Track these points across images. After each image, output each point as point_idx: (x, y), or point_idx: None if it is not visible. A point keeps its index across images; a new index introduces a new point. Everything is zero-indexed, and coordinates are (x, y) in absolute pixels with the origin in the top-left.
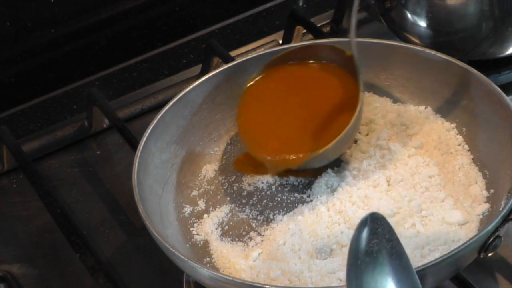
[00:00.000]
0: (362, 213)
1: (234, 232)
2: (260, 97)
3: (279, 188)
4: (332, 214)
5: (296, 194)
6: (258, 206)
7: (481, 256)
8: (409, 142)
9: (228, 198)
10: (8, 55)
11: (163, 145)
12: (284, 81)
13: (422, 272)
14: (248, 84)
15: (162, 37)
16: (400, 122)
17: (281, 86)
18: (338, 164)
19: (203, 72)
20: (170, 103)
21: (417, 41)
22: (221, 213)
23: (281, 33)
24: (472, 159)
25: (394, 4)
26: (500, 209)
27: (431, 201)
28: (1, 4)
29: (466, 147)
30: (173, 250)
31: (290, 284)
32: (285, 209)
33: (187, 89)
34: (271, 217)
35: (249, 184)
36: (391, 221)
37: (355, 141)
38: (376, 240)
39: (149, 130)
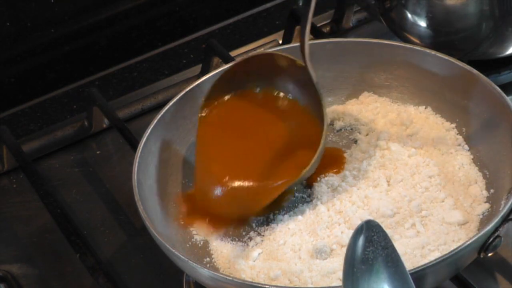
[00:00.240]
0: (362, 213)
1: (234, 232)
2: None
3: None
4: (332, 214)
5: (296, 194)
6: None
7: (481, 256)
8: (409, 142)
9: None
10: (8, 55)
11: (163, 145)
12: (245, 110)
13: (422, 272)
14: (206, 110)
15: (162, 37)
16: (400, 122)
17: (242, 116)
18: None
19: (203, 72)
20: (170, 103)
21: (417, 41)
22: None
23: (281, 33)
24: (472, 159)
25: (394, 4)
26: (500, 209)
27: (431, 201)
28: (1, 4)
29: (466, 147)
30: (173, 250)
31: (290, 284)
32: (285, 209)
33: (187, 89)
34: (271, 217)
35: None
36: (391, 221)
37: (355, 141)
38: (371, 247)
39: (149, 130)
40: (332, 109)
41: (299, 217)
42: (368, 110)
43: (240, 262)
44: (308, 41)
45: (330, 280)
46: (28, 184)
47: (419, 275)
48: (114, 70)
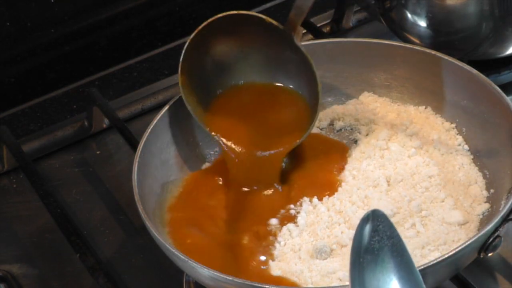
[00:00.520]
0: (362, 213)
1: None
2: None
3: None
4: (332, 214)
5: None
6: None
7: (481, 256)
8: (409, 142)
9: None
10: (8, 55)
11: (163, 145)
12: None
13: (422, 272)
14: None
15: (162, 37)
16: (400, 122)
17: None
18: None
19: None
20: (170, 103)
21: (417, 41)
22: None
23: None
24: (472, 159)
25: (394, 4)
26: (500, 209)
27: (431, 201)
28: (1, 4)
29: (466, 147)
30: (173, 250)
31: (290, 284)
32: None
33: None
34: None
35: None
36: (391, 221)
37: (355, 141)
38: (377, 237)
39: (149, 130)
40: (332, 109)
41: (299, 217)
42: (368, 110)
43: None
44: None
45: (330, 280)
46: (28, 184)
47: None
48: (114, 70)
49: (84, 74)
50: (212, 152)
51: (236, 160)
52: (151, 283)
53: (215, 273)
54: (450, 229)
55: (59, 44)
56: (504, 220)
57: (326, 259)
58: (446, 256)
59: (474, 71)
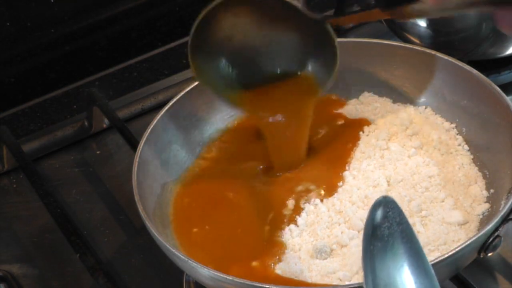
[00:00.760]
0: (362, 213)
1: None
2: None
3: None
4: (332, 214)
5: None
6: None
7: (481, 256)
8: (409, 142)
9: None
10: (8, 55)
11: (163, 145)
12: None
13: None
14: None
15: (162, 37)
16: (400, 122)
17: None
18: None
19: None
20: (170, 103)
21: (417, 41)
22: None
23: None
24: (472, 159)
25: None
26: (500, 209)
27: (431, 201)
28: (1, 4)
29: (466, 147)
30: (173, 250)
31: (290, 284)
32: None
33: (187, 89)
34: None
35: None
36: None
37: None
38: (387, 223)
39: (149, 130)
40: None
41: (299, 217)
42: (368, 110)
43: None
44: None
45: (330, 280)
46: (28, 184)
47: None
48: (114, 70)
49: (84, 74)
50: (211, 152)
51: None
52: (151, 283)
53: (215, 273)
54: (450, 229)
55: (59, 44)
56: (504, 220)
57: (326, 259)
58: (446, 256)
59: (474, 71)
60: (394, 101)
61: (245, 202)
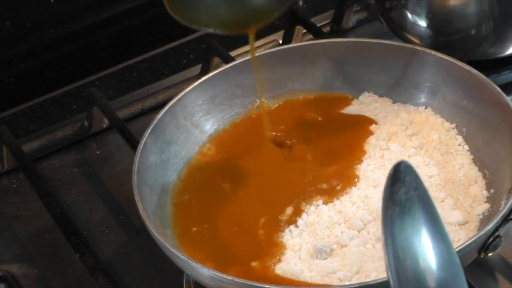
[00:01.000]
0: (362, 213)
1: None
2: None
3: None
4: (332, 214)
5: None
6: None
7: (481, 256)
8: (409, 142)
9: None
10: (8, 55)
11: (163, 145)
12: None
13: None
14: None
15: (162, 37)
16: (400, 122)
17: None
18: None
19: (203, 72)
20: (170, 103)
21: (417, 41)
22: None
23: (281, 33)
24: (472, 159)
25: (394, 4)
26: (500, 209)
27: None
28: (1, 4)
29: (466, 147)
30: (173, 250)
31: (290, 284)
32: None
33: (187, 89)
34: None
35: None
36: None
37: None
38: (404, 188)
39: (149, 130)
40: None
41: (299, 217)
42: (368, 110)
43: None
44: None
45: (330, 280)
46: (28, 184)
47: None
48: (114, 70)
49: (84, 74)
50: (211, 152)
51: None
52: (151, 283)
53: (215, 273)
54: (450, 229)
55: (59, 44)
56: (504, 220)
57: (326, 259)
58: None
59: (474, 71)
60: (394, 101)
61: (245, 202)
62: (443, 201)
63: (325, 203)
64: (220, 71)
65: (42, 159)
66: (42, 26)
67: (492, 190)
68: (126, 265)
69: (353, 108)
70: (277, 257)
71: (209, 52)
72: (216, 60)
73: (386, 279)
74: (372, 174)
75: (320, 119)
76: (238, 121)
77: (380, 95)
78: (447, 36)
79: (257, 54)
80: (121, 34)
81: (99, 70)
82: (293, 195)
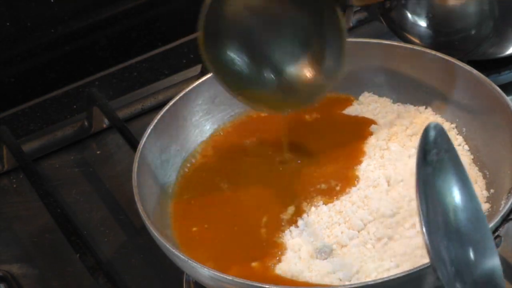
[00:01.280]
0: (362, 213)
1: None
2: None
3: None
4: (332, 214)
5: None
6: None
7: None
8: (409, 142)
9: None
10: (8, 55)
11: (163, 145)
12: None
13: (422, 272)
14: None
15: (162, 37)
16: (400, 122)
17: None
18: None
19: (203, 72)
20: (170, 103)
21: (417, 41)
22: None
23: None
24: (472, 159)
25: (394, 4)
26: (500, 209)
27: None
28: (1, 4)
29: (466, 147)
30: (173, 250)
31: (290, 284)
32: None
33: (187, 89)
34: None
35: None
36: (391, 221)
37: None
38: (435, 150)
39: (149, 130)
40: None
41: (300, 217)
42: (368, 110)
43: None
44: None
45: (330, 280)
46: (28, 184)
47: (419, 275)
48: (114, 70)
49: (84, 74)
50: (211, 152)
51: None
52: (151, 283)
53: (215, 273)
54: None
55: (59, 44)
56: (504, 220)
57: (326, 259)
58: None
59: (474, 71)
60: (394, 101)
61: (245, 202)
62: None
63: (325, 203)
64: None
65: (42, 159)
66: (42, 26)
67: (492, 190)
68: (126, 265)
69: (353, 108)
70: (277, 257)
71: None
72: None
73: (386, 279)
74: (372, 174)
75: (320, 119)
76: (238, 121)
77: (380, 95)
78: (447, 36)
79: None
80: (121, 34)
81: (99, 70)
82: (293, 195)
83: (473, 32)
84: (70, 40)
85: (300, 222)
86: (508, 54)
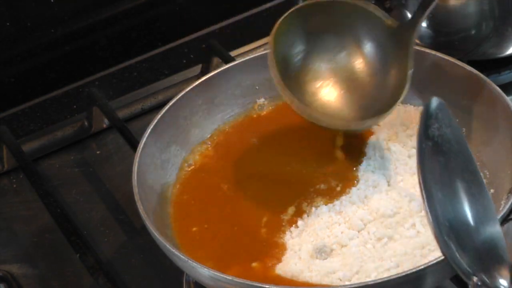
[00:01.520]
0: (362, 213)
1: None
2: None
3: None
4: (332, 214)
5: None
6: None
7: None
8: (409, 142)
9: None
10: (8, 55)
11: (163, 145)
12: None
13: (422, 272)
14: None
15: (162, 37)
16: (400, 122)
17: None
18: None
19: (203, 72)
20: (170, 103)
21: (417, 41)
22: None
23: None
24: None
25: (394, 4)
26: (500, 209)
27: None
28: (1, 4)
29: None
30: (173, 250)
31: (290, 284)
32: None
33: (187, 89)
34: None
35: None
36: (391, 221)
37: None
38: (436, 124)
39: (149, 130)
40: None
41: (300, 217)
42: None
43: None
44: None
45: (330, 280)
46: (28, 184)
47: (419, 275)
48: (114, 70)
49: (84, 74)
50: (211, 152)
51: None
52: (151, 283)
53: (215, 273)
54: None
55: (59, 44)
56: (504, 220)
57: (326, 259)
58: None
59: (474, 71)
60: None
61: (245, 202)
62: None
63: (325, 203)
64: (220, 71)
65: (42, 159)
66: (42, 26)
67: (492, 190)
68: (126, 265)
69: None
70: (277, 257)
71: (209, 52)
72: (216, 60)
73: (386, 279)
74: (372, 174)
75: None
76: (238, 121)
77: None
78: (447, 36)
79: (257, 54)
80: (121, 34)
81: (99, 70)
82: (293, 195)
83: (473, 32)
84: (70, 40)
85: (300, 222)
86: (508, 54)
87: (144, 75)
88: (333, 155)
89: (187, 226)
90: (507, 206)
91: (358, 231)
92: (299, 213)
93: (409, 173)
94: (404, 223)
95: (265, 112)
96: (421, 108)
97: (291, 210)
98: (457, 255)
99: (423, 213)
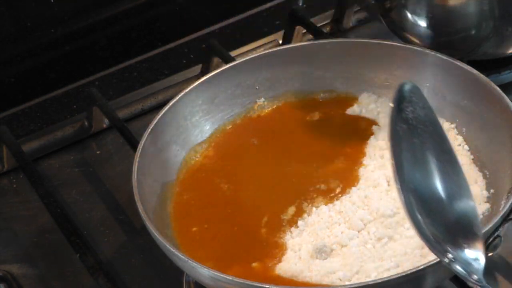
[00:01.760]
0: (362, 213)
1: None
2: None
3: None
4: (332, 214)
5: None
6: None
7: None
8: None
9: None
10: (8, 55)
11: (163, 145)
12: None
13: (422, 272)
14: None
15: (162, 37)
16: None
17: None
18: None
19: (203, 72)
20: (170, 103)
21: (417, 41)
22: None
23: (281, 33)
24: (472, 159)
25: (394, 4)
26: (500, 209)
27: None
28: (1, 4)
29: (466, 147)
30: (173, 250)
31: (290, 284)
32: None
33: (187, 90)
34: None
35: None
36: (391, 221)
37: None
38: (411, 107)
39: (149, 130)
40: None
41: (300, 217)
42: (369, 111)
43: None
44: None
45: (330, 280)
46: (28, 184)
47: (419, 275)
48: (114, 70)
49: (84, 74)
50: (211, 152)
51: None
52: (151, 283)
53: (215, 273)
54: None
55: (59, 44)
56: (504, 220)
57: (326, 259)
58: None
59: (474, 71)
60: None
61: (245, 202)
62: None
63: (325, 203)
64: (220, 71)
65: (42, 159)
66: (42, 26)
67: (492, 190)
68: (126, 265)
69: (353, 109)
70: (277, 257)
71: (209, 52)
72: (216, 60)
73: (386, 279)
74: (372, 174)
75: (320, 119)
76: (238, 121)
77: (380, 95)
78: (447, 36)
79: (257, 54)
80: (121, 34)
81: (99, 70)
82: (293, 195)
83: (473, 32)
84: (70, 40)
85: (300, 222)
86: (508, 54)
87: (144, 75)
88: (333, 155)
89: (187, 226)
90: (507, 206)
91: (358, 231)
92: (299, 213)
93: None
94: (404, 223)
95: (265, 112)
96: None
97: (291, 210)
98: (427, 230)
99: None
